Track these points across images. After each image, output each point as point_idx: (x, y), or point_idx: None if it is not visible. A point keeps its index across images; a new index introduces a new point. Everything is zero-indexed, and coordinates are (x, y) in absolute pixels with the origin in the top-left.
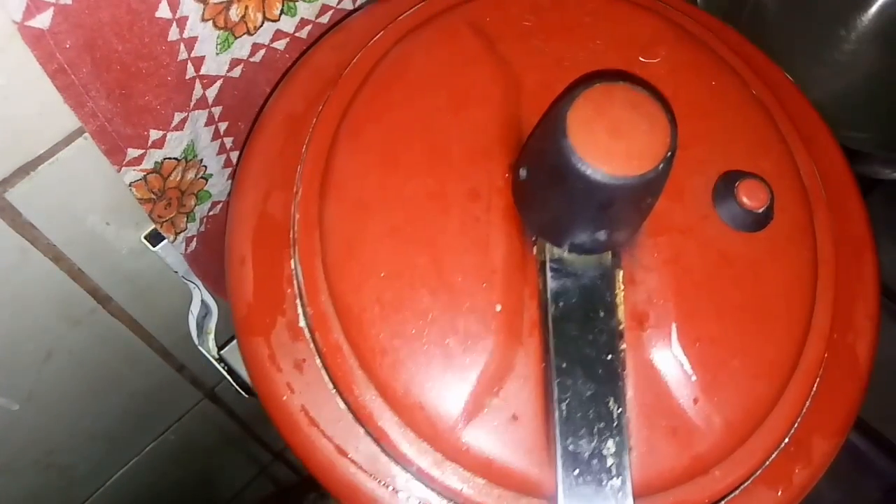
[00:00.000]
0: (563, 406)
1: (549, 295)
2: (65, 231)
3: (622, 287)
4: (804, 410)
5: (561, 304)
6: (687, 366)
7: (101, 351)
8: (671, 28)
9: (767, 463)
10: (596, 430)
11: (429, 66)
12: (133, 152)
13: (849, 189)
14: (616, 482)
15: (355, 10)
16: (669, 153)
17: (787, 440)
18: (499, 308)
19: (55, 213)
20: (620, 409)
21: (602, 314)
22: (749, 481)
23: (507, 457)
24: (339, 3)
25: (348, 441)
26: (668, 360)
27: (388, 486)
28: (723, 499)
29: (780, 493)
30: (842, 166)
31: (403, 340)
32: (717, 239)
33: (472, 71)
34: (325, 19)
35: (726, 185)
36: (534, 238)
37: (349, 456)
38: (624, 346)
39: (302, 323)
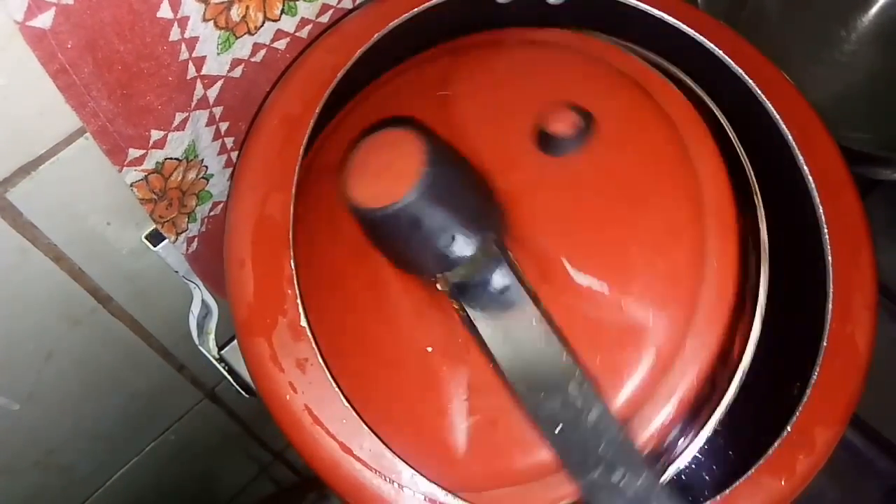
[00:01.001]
0: (520, 383)
1: (464, 311)
2: (65, 231)
3: (515, 264)
4: (805, 398)
5: (477, 310)
6: (595, 283)
7: (101, 351)
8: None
9: (770, 452)
10: (554, 383)
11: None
12: (134, 152)
13: (845, 184)
14: (594, 413)
15: (354, 10)
16: (424, 175)
17: (789, 429)
18: (430, 349)
19: (56, 212)
20: (566, 354)
21: (513, 294)
22: (753, 470)
23: (505, 459)
24: (339, 3)
25: (353, 439)
26: (578, 288)
27: (393, 483)
28: (718, 368)
29: (783, 482)
30: (839, 164)
31: (372, 410)
32: (560, 174)
33: None
34: (325, 18)
35: (538, 132)
36: (430, 277)
37: (354, 453)
38: (542, 304)
39: (304, 322)
